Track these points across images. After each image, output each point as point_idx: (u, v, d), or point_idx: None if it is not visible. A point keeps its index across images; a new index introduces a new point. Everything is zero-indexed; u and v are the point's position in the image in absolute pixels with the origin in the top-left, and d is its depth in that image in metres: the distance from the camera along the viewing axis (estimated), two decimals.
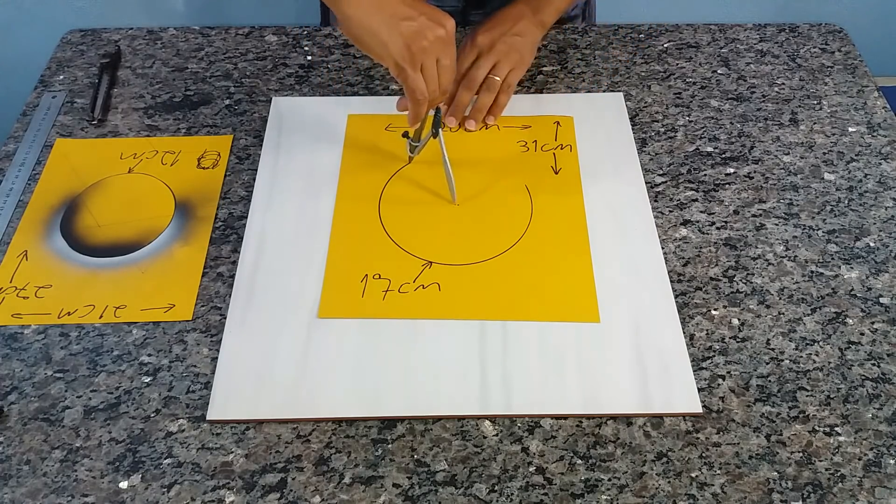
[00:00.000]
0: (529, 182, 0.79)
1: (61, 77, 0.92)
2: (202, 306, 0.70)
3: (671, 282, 0.71)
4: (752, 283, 0.72)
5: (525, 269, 0.72)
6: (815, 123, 0.86)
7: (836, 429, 0.62)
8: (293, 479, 0.59)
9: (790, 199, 0.79)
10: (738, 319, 0.69)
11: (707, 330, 0.68)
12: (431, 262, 0.72)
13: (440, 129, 0.77)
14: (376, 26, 0.70)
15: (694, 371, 0.65)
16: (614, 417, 0.63)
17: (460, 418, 0.62)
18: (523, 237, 0.75)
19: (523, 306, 0.69)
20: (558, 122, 0.86)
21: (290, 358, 0.66)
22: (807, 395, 0.64)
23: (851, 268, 0.73)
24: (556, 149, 0.83)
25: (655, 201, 0.78)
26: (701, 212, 0.78)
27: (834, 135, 0.85)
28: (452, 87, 0.82)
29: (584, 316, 0.68)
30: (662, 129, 0.86)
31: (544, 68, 0.92)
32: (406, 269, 0.72)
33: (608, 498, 0.58)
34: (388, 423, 0.62)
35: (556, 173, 0.81)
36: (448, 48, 0.73)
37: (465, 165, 0.81)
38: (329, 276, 0.71)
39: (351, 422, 0.62)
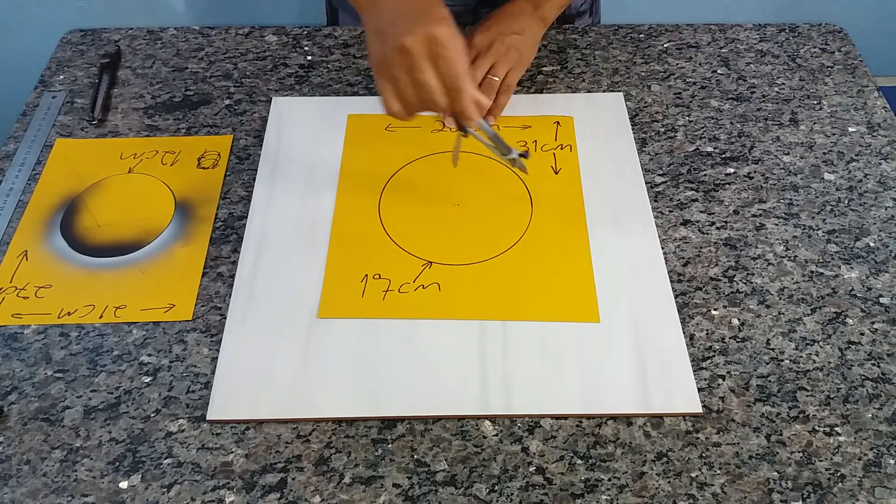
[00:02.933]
0: (529, 182, 0.79)
1: (61, 77, 0.92)
2: (202, 306, 0.70)
3: (671, 282, 0.71)
4: (752, 283, 0.72)
5: (525, 269, 0.72)
6: (815, 123, 0.86)
7: (836, 429, 0.62)
8: (293, 479, 0.59)
9: (790, 199, 0.79)
10: (738, 319, 0.69)
11: (707, 330, 0.68)
12: (431, 263, 0.72)
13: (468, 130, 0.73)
14: (369, 34, 0.65)
15: (694, 371, 0.65)
16: (614, 417, 0.63)
17: (460, 418, 0.62)
18: (523, 237, 0.75)
19: (523, 306, 0.69)
20: (558, 123, 0.86)
21: (290, 358, 0.66)
22: (807, 395, 0.64)
23: (851, 268, 0.73)
24: (556, 149, 0.83)
25: (655, 201, 0.78)
26: (701, 212, 0.78)
27: (834, 135, 0.85)
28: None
29: (585, 316, 0.68)
30: (662, 129, 0.86)
31: (544, 68, 0.92)
32: (406, 269, 0.72)
33: (608, 498, 0.58)
34: (388, 423, 0.62)
35: (556, 173, 0.81)
36: (415, 63, 0.62)
37: (465, 165, 0.81)
38: (329, 276, 0.71)
39: (351, 422, 0.62)
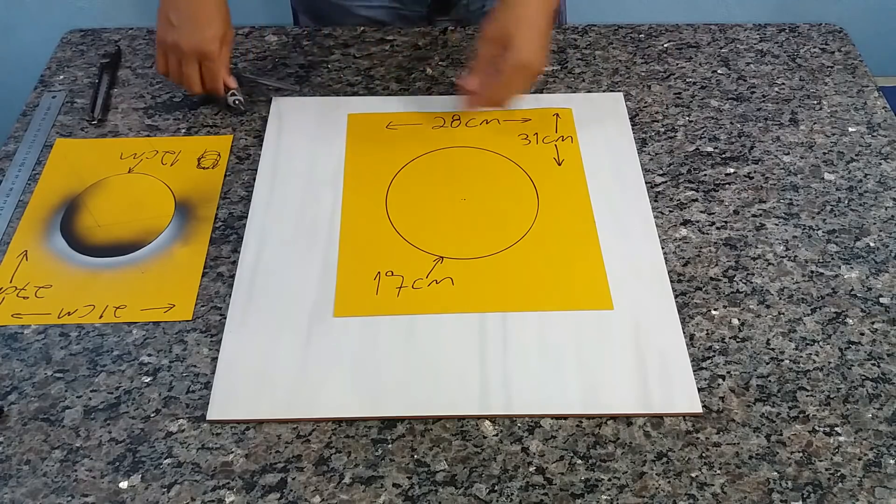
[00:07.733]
0: (533, 174, 0.80)
1: (61, 77, 0.92)
2: (202, 306, 0.70)
3: (671, 282, 0.71)
4: (752, 283, 0.72)
5: (536, 260, 0.72)
6: (815, 123, 0.86)
7: (836, 429, 0.62)
8: (293, 479, 0.59)
9: (790, 199, 0.79)
10: (738, 319, 0.69)
11: (707, 330, 0.68)
12: (443, 258, 0.73)
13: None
14: (161, 13, 0.82)
15: (694, 371, 0.65)
16: (614, 417, 0.63)
17: (460, 418, 0.62)
18: (531, 229, 0.75)
19: (537, 298, 0.69)
20: (557, 115, 0.86)
21: (290, 358, 0.66)
22: (807, 395, 0.64)
23: (851, 268, 0.73)
24: (557, 140, 0.83)
25: (655, 201, 0.78)
26: (701, 212, 0.78)
27: (834, 135, 0.85)
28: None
29: (598, 303, 0.69)
30: (662, 129, 0.86)
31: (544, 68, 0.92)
32: (418, 265, 0.72)
33: (608, 498, 0.58)
34: (388, 423, 0.62)
35: (560, 164, 0.81)
36: (186, 60, 0.82)
37: (468, 159, 0.81)
38: (342, 276, 0.71)
39: (351, 422, 0.62)
